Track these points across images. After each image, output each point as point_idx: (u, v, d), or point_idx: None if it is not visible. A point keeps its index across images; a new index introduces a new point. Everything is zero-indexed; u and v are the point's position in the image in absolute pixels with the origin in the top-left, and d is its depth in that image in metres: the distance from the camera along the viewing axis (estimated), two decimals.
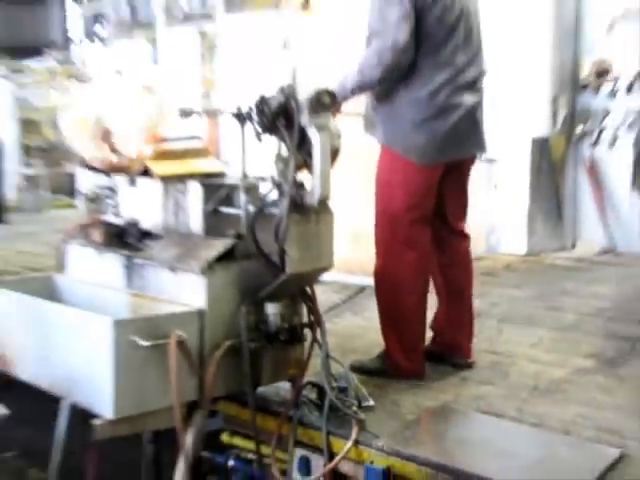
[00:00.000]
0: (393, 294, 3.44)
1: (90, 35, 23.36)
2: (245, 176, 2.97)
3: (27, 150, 12.95)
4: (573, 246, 6.80)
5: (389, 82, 3.30)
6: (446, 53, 3.31)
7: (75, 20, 26.29)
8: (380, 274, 3.48)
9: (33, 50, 21.06)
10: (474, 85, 3.44)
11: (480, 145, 3.58)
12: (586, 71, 6.67)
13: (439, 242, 3.56)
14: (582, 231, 6.85)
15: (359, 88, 3.34)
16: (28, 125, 13.39)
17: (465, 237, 3.72)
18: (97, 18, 21.23)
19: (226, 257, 2.84)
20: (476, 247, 4.23)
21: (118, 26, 11.16)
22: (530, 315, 4.67)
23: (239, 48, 6.84)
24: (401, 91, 3.30)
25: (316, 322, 3.04)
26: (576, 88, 6.72)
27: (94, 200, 3.73)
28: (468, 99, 3.38)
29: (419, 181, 3.38)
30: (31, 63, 16.09)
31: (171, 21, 9.28)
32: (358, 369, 3.46)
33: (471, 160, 3.67)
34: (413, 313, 3.46)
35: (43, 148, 13.15)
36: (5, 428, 4.26)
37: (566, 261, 6.37)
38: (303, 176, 2.85)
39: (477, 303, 3.90)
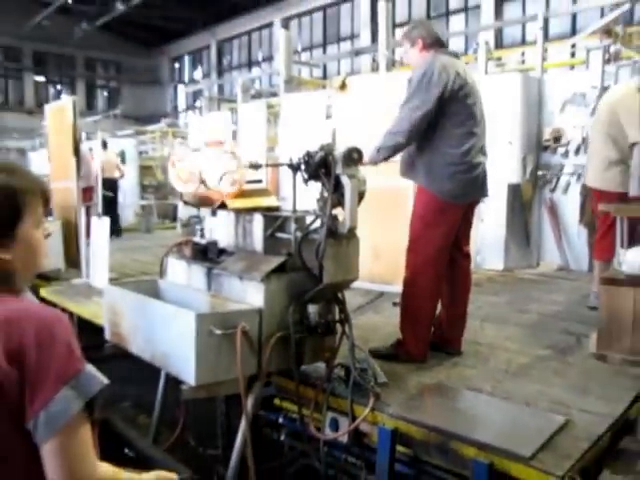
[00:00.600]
0: (415, 299, 3.38)
1: (191, 107, 23.82)
2: (295, 210, 2.95)
3: (143, 187, 13.20)
4: (537, 264, 6.68)
5: (406, 146, 3.29)
6: (470, 125, 3.29)
7: (181, 96, 26.86)
8: (408, 284, 3.42)
9: (152, 117, 21.57)
10: (484, 149, 3.42)
11: (487, 191, 3.53)
12: (547, 136, 6.61)
13: (450, 260, 3.47)
14: (544, 253, 6.73)
15: (387, 149, 3.30)
16: (145, 169, 13.66)
17: (469, 257, 3.64)
18: (196, 95, 21.66)
19: (279, 270, 2.81)
20: None
21: (210, 101, 11.31)
22: (504, 316, 4.55)
23: (295, 116, 6.85)
24: (440, 150, 3.26)
25: (345, 319, 2.98)
26: (540, 149, 6.65)
27: (187, 225, 3.73)
28: (482, 159, 3.38)
29: (447, 216, 3.33)
30: (149, 126, 16.40)
31: (247, 97, 9.38)
32: (375, 353, 3.38)
33: (478, 201, 3.63)
34: (428, 314, 3.41)
35: (154, 186, 13.38)
36: (122, 386, 4.28)
37: (532, 275, 6.24)
38: (337, 211, 2.81)
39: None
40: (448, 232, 3.36)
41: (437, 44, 3.40)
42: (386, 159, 3.36)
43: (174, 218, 11.63)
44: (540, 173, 6.63)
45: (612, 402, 2.82)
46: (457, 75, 3.23)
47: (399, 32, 14.68)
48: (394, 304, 4.71)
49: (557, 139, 6.57)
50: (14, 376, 1.13)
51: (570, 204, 6.45)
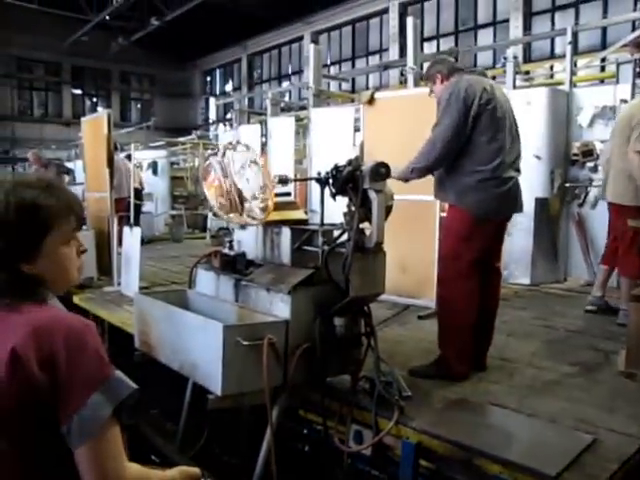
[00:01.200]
0: (453, 315, 3.33)
1: (222, 119, 24.08)
2: (322, 224, 2.95)
3: (174, 197, 13.34)
4: (565, 279, 6.55)
5: (439, 166, 3.29)
6: (501, 139, 3.26)
7: (212, 108, 27.22)
8: (443, 300, 3.39)
9: (183, 129, 21.86)
10: (516, 164, 3.38)
11: (521, 206, 3.48)
12: (575, 151, 6.51)
13: (481, 276, 3.40)
14: (571, 268, 6.60)
15: (420, 170, 3.32)
16: (176, 180, 13.82)
17: (499, 273, 3.61)
18: (227, 107, 21.89)
19: (306, 282, 2.82)
20: None
21: (240, 113, 11.42)
22: (531, 331, 4.47)
23: (323, 130, 6.87)
24: (468, 167, 3.24)
25: (371, 332, 2.97)
26: (568, 163, 6.53)
27: (216, 237, 3.76)
28: (514, 174, 3.34)
29: (480, 231, 3.30)
30: (181, 138, 16.61)
31: (276, 110, 9.45)
32: (418, 373, 3.33)
33: (510, 217, 3.56)
34: (467, 328, 3.33)
35: (185, 196, 13.52)
36: (150, 393, 4.30)
37: (559, 291, 6.13)
38: (364, 226, 2.81)
39: None
40: (480, 247, 3.32)
41: (456, 70, 3.43)
42: (419, 177, 3.36)
43: (204, 228, 11.72)
44: (568, 187, 6.52)
45: None
46: (484, 90, 3.24)
47: (427, 46, 14.66)
48: (420, 317, 4.69)
49: (586, 153, 6.46)
50: (47, 383, 1.17)
51: (598, 219, 6.29)
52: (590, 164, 6.45)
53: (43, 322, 1.22)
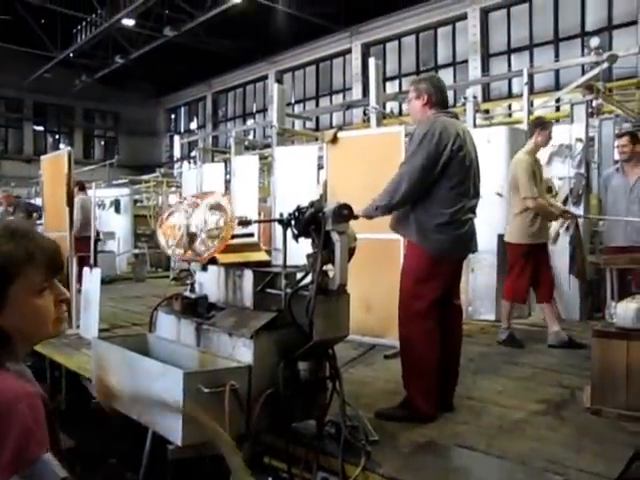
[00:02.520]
0: (415, 354, 3.30)
1: (186, 157, 24.05)
2: (285, 266, 2.92)
3: (137, 236, 13.16)
4: (529, 314, 6.60)
5: (402, 206, 3.32)
6: (466, 186, 3.33)
7: (177, 146, 27.19)
8: (405, 340, 3.36)
9: (148, 167, 21.73)
10: (474, 208, 3.46)
11: (476, 246, 3.54)
12: None
13: (442, 314, 3.39)
14: (535, 303, 6.65)
15: (385, 208, 3.34)
16: (139, 218, 13.65)
17: (460, 311, 3.61)
18: (191, 145, 21.88)
19: (269, 326, 2.77)
20: None
21: (204, 151, 11.41)
22: (497, 368, 4.48)
23: (287, 168, 6.90)
24: (432, 209, 3.27)
25: (336, 375, 2.92)
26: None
27: (178, 279, 3.69)
28: (471, 215, 3.41)
29: (438, 271, 3.31)
30: (144, 176, 16.49)
31: (240, 148, 9.47)
32: (384, 416, 3.27)
33: (466, 257, 3.65)
34: (431, 366, 3.30)
35: (148, 234, 13.34)
36: (109, 442, 4.15)
37: (524, 326, 6.15)
38: (328, 267, 2.79)
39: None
40: (439, 286, 3.34)
41: (440, 104, 3.45)
42: (383, 215, 3.38)
43: (167, 267, 11.56)
44: None
45: (610, 460, 2.75)
46: (457, 136, 3.27)
47: (389, 86, 14.94)
48: (386, 357, 4.65)
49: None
50: None
51: (560, 254, 6.42)
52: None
53: None
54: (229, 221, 2.74)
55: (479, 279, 6.37)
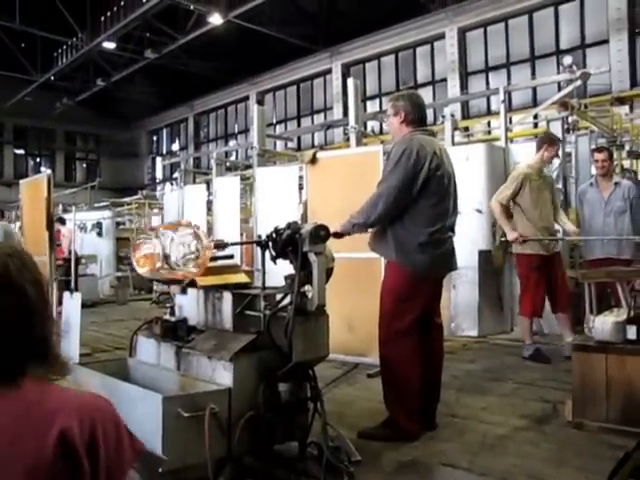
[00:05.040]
0: (396, 373, 3.31)
1: (168, 179, 24.03)
2: (264, 287, 2.93)
3: (119, 259, 13.07)
4: (512, 329, 6.64)
5: (379, 224, 3.34)
6: (445, 205, 3.36)
7: (159, 168, 27.15)
8: (385, 359, 3.37)
9: (130, 189, 21.65)
10: (453, 226, 3.48)
11: (455, 265, 3.57)
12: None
13: (423, 332, 3.40)
14: (517, 318, 6.68)
15: (361, 226, 3.36)
16: (121, 241, 13.56)
17: (441, 328, 3.62)
18: (173, 166, 21.86)
19: (249, 348, 2.76)
20: None
21: (186, 173, 11.41)
22: (480, 385, 4.50)
23: (269, 189, 6.91)
24: (411, 228, 3.29)
25: (317, 396, 2.91)
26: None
27: (158, 303, 3.68)
28: (450, 233, 3.43)
29: (418, 289, 3.33)
30: (126, 198, 16.43)
31: (222, 170, 9.49)
32: (367, 436, 3.27)
33: (445, 275, 3.68)
34: (412, 385, 3.30)
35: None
36: None
37: (507, 341, 6.21)
38: (307, 288, 2.79)
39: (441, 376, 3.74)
40: (420, 305, 3.35)
41: (418, 122, 3.45)
42: (359, 232, 3.40)
43: (150, 290, 11.49)
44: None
45: (591, 474, 2.77)
46: (434, 155, 3.28)
47: (370, 105, 15.05)
48: (369, 376, 4.65)
49: None
50: (89, 467, 1.10)
51: None
52: None
53: (84, 402, 1.15)
54: (204, 247, 2.74)
55: (461, 295, 6.41)
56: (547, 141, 5.40)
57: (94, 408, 1.16)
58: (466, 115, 15.60)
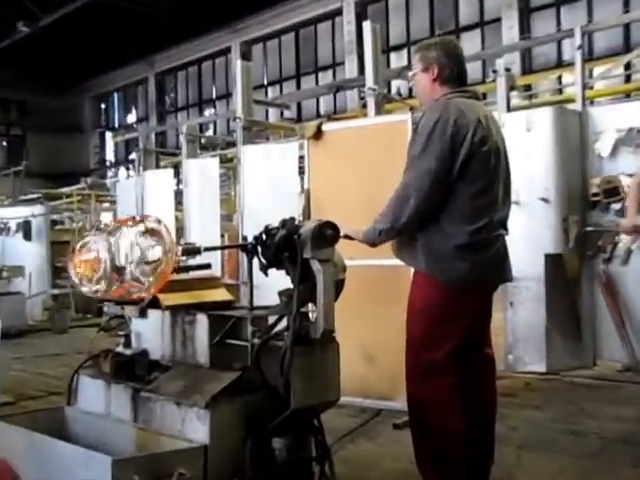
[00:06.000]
0: (430, 426, 3.28)
1: (122, 161, 24.18)
2: (252, 307, 2.96)
3: (56, 270, 13.11)
4: (594, 364, 6.64)
5: (413, 226, 3.30)
6: (491, 193, 3.33)
7: (109, 147, 27.30)
8: (415, 405, 3.35)
9: (69, 175, 21.75)
10: (506, 221, 3.47)
11: (509, 273, 3.53)
12: (595, 189, 6.67)
13: (468, 368, 3.38)
14: (602, 347, 6.68)
15: (389, 231, 3.32)
16: (59, 246, 13.61)
17: (492, 361, 3.60)
18: (129, 145, 21.99)
19: (231, 391, 2.78)
20: None
21: (146, 153, 11.45)
22: (551, 440, 4.50)
23: (258, 173, 6.96)
24: (446, 225, 3.26)
25: (324, 455, 2.94)
26: (586, 206, 6.72)
27: (108, 330, 3.72)
28: (501, 232, 3.42)
29: (459, 309, 3.31)
30: (65, 188, 16.52)
31: (194, 148, 9.50)
32: None
33: (496, 288, 3.64)
34: (454, 443, 3.25)
35: None
36: None
37: (587, 380, 6.22)
38: (308, 308, 2.83)
39: (496, 427, 3.75)
40: (461, 330, 3.34)
41: (456, 81, 3.44)
42: (388, 241, 3.39)
43: (100, 313, 11.52)
44: (588, 237, 6.70)
45: None
46: (478, 124, 3.26)
47: (395, 58, 15.02)
48: (396, 426, 4.67)
49: (609, 192, 6.64)
50: None
51: (633, 278, 6.46)
52: (616, 205, 6.62)
53: None
54: (168, 251, 2.77)
55: (521, 316, 6.41)
56: None
57: None
58: (528, 68, 15.57)
